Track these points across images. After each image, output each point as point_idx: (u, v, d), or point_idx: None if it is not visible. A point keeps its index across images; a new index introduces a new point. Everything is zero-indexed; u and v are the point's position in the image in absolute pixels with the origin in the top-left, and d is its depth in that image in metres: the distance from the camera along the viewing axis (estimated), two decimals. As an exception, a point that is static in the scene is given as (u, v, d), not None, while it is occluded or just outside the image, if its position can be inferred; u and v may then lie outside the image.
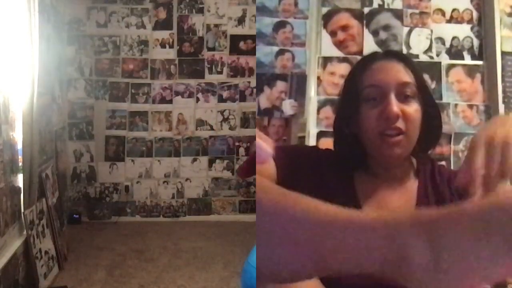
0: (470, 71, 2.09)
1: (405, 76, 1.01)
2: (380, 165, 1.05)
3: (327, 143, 1.79)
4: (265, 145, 0.88)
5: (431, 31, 1.89)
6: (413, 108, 0.99)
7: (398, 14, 1.81)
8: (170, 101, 4.32)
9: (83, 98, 4.21)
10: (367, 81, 1.02)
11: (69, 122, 4.19)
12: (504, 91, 2.06)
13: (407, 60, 1.06)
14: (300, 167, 1.04)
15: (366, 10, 1.77)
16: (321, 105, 1.78)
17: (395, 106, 0.96)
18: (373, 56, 1.07)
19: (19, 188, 2.69)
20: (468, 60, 2.10)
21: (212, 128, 4.38)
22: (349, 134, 1.05)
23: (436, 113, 1.06)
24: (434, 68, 2.01)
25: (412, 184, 1.07)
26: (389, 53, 1.08)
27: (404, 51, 1.83)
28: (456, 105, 2.09)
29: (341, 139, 1.10)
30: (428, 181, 1.08)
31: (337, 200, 0.91)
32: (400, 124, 0.97)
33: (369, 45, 1.77)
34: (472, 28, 2.07)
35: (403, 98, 0.99)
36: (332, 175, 1.04)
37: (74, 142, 4.23)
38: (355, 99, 1.03)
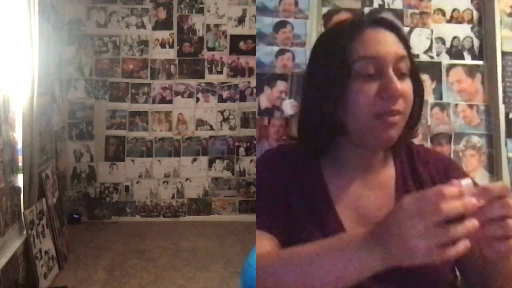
0: (471, 71, 2.10)
1: (401, 49, 0.88)
2: (355, 153, 0.93)
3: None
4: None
5: (432, 31, 1.90)
6: (408, 86, 0.88)
7: (398, 14, 1.81)
8: (170, 101, 4.32)
9: (83, 98, 4.21)
10: (360, 51, 0.86)
11: (69, 122, 4.19)
12: (504, 91, 2.07)
13: (399, 30, 0.92)
14: (275, 176, 0.96)
15: (366, 10, 1.78)
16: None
17: (398, 83, 0.84)
18: (362, 23, 0.90)
19: (19, 188, 2.69)
20: (468, 60, 2.10)
21: (212, 128, 4.39)
22: (329, 115, 0.89)
23: (422, 92, 0.94)
24: (434, 68, 2.01)
25: (388, 173, 0.97)
26: (380, 21, 0.90)
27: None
28: (456, 105, 2.09)
29: (315, 124, 0.92)
30: (406, 169, 0.98)
31: (312, 202, 0.92)
32: (400, 104, 0.85)
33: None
34: (472, 28, 2.07)
35: (399, 74, 0.86)
36: (301, 174, 0.95)
37: (74, 142, 4.23)
38: (344, 74, 0.86)
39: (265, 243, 0.89)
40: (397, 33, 0.90)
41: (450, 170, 0.99)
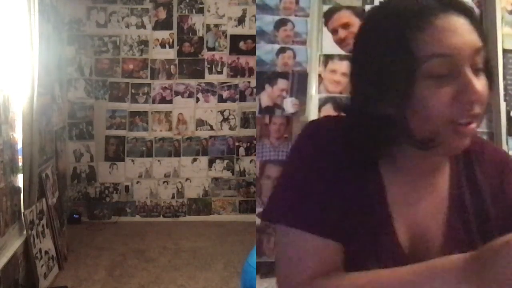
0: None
1: (477, 39, 0.71)
2: (417, 158, 0.78)
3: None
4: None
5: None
6: (484, 83, 0.72)
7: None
8: (170, 101, 4.32)
9: (83, 98, 4.21)
10: (431, 47, 0.69)
11: (69, 122, 4.19)
12: (505, 89, 2.06)
13: (473, 14, 0.74)
14: (326, 162, 0.78)
15: (367, 7, 1.78)
16: (322, 103, 1.78)
17: (477, 83, 0.69)
18: (431, 7, 0.71)
19: (19, 188, 2.69)
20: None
21: (212, 128, 4.38)
22: (388, 116, 0.73)
23: (493, 85, 0.77)
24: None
25: (443, 176, 0.83)
26: (452, 4, 0.72)
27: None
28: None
29: (371, 128, 0.76)
30: (462, 170, 0.85)
31: (367, 205, 0.77)
32: (477, 107, 0.70)
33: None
34: (473, 27, 2.07)
35: (475, 70, 0.71)
36: (358, 167, 0.78)
37: (74, 142, 4.22)
38: (411, 74, 0.69)
39: (324, 253, 0.74)
40: (471, 18, 0.73)
41: (506, 173, 0.86)
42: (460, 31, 0.70)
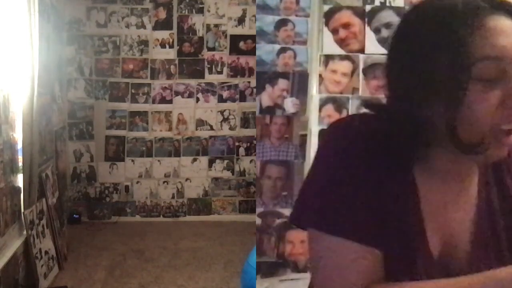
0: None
1: None
2: (453, 162, 0.75)
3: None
4: None
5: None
6: None
7: (399, 12, 1.81)
8: (170, 101, 4.32)
9: (83, 98, 4.21)
10: (482, 49, 0.66)
11: (69, 122, 4.19)
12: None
13: None
14: (361, 163, 0.73)
15: (367, 7, 1.77)
16: (322, 103, 1.78)
17: None
18: (481, 6, 0.68)
19: (19, 188, 2.69)
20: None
21: (212, 128, 4.38)
22: (430, 119, 0.70)
23: None
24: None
25: (472, 181, 0.80)
26: (501, 5, 0.69)
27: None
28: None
29: (413, 130, 0.72)
30: (490, 176, 0.82)
31: (396, 206, 0.73)
32: None
33: (371, 43, 1.77)
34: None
35: None
36: (389, 174, 0.73)
37: (74, 142, 4.22)
38: (462, 76, 0.66)
39: (366, 262, 0.70)
40: None
41: None
42: (508, 34, 0.67)
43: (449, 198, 0.78)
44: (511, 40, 0.67)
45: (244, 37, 4.32)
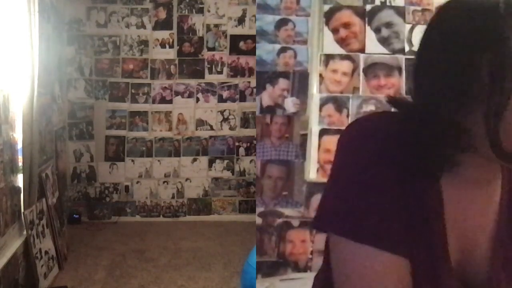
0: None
1: None
2: (482, 168, 0.71)
3: (329, 140, 1.79)
4: None
5: (433, 28, 1.90)
6: None
7: (400, 11, 1.81)
8: (170, 101, 4.32)
9: (83, 98, 4.21)
10: None
11: (69, 122, 4.19)
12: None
13: None
14: (387, 165, 0.68)
15: (368, 7, 1.77)
16: (323, 103, 1.78)
17: None
18: None
19: (19, 188, 2.69)
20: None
21: (212, 128, 4.38)
22: (464, 125, 0.65)
23: None
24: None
25: (495, 186, 0.76)
26: None
27: (407, 48, 1.83)
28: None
29: (450, 131, 0.66)
30: None
31: (420, 212, 0.69)
32: None
33: (371, 42, 1.77)
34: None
35: None
36: (416, 180, 0.69)
37: (74, 142, 4.22)
38: (509, 81, 0.61)
39: (398, 272, 0.66)
40: None
41: None
42: None
43: (473, 205, 0.73)
44: None
45: (244, 37, 4.32)
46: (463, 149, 0.68)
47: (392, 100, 0.75)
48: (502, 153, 0.64)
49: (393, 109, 0.76)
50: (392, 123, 0.72)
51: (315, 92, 1.75)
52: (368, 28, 1.77)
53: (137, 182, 4.33)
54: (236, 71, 4.35)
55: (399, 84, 1.79)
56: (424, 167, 0.68)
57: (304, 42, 1.74)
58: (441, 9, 0.71)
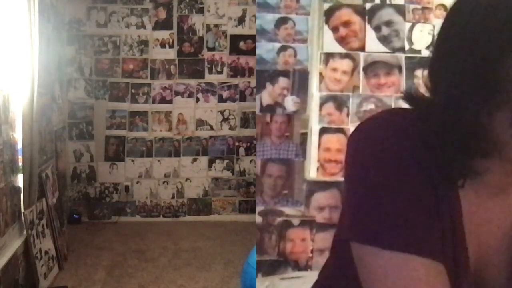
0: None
1: None
2: (497, 174, 0.67)
3: (329, 139, 1.79)
4: None
5: (434, 26, 1.89)
6: None
7: (400, 10, 1.81)
8: (170, 101, 4.32)
9: (83, 98, 4.21)
10: None
11: (69, 122, 4.19)
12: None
13: None
14: (414, 167, 0.64)
15: (368, 5, 1.77)
16: (323, 101, 1.78)
17: None
18: None
19: (19, 188, 2.69)
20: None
21: (212, 128, 4.38)
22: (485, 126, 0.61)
23: None
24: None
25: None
26: None
27: (407, 46, 1.82)
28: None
29: (468, 141, 0.62)
30: None
31: (445, 224, 0.65)
32: None
33: (371, 41, 1.77)
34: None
35: None
36: (436, 186, 0.65)
37: (74, 142, 4.22)
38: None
39: (439, 279, 0.61)
40: None
41: None
42: None
43: (492, 213, 0.70)
44: None
45: (244, 37, 4.32)
46: (487, 154, 0.63)
47: (408, 97, 0.70)
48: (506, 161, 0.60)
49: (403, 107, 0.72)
50: (412, 122, 0.67)
51: (315, 90, 1.75)
52: (368, 26, 1.77)
53: (137, 182, 4.33)
54: (236, 71, 4.35)
55: (399, 82, 1.79)
56: (448, 172, 0.64)
57: (304, 40, 1.74)
58: (460, 2, 0.66)
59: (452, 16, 0.65)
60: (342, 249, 0.75)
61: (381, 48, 1.79)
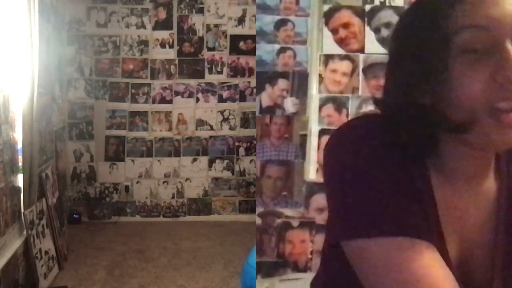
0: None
1: None
2: (460, 153, 0.69)
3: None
4: None
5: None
6: None
7: (399, 12, 1.81)
8: (170, 101, 4.32)
9: (83, 98, 4.21)
10: (463, 19, 0.62)
11: (69, 122, 4.19)
12: None
13: None
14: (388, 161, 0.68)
15: (367, 7, 1.77)
16: (322, 103, 1.78)
17: None
18: None
19: (19, 188, 2.69)
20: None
21: (212, 128, 4.38)
22: (426, 107, 0.66)
23: None
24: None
25: (489, 184, 0.74)
26: None
27: (406, 48, 1.82)
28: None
29: (409, 118, 0.68)
30: (509, 178, 0.75)
31: (416, 206, 0.66)
32: None
33: (371, 43, 1.77)
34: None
35: None
36: (407, 168, 0.68)
37: (74, 142, 4.22)
38: (442, 49, 0.63)
39: (430, 259, 0.62)
40: None
41: None
42: (500, 1, 0.61)
43: (464, 201, 0.72)
44: (499, 8, 0.61)
45: (244, 37, 4.32)
46: (439, 138, 0.69)
47: (375, 100, 0.77)
48: (451, 125, 0.65)
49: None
50: (380, 123, 0.73)
51: (314, 92, 1.75)
52: (367, 28, 1.77)
53: (137, 182, 4.33)
54: (236, 71, 4.35)
55: (399, 84, 1.79)
56: (406, 155, 0.68)
57: (304, 42, 1.74)
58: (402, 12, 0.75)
59: (395, 24, 0.73)
60: (332, 257, 0.77)
61: (381, 49, 1.79)
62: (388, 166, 0.67)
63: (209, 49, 4.32)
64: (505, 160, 0.75)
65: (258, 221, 1.77)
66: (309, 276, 1.74)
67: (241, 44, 4.33)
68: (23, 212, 2.67)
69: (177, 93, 4.32)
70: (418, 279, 0.59)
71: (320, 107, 1.75)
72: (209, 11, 4.30)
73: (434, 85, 0.64)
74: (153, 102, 4.30)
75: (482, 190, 0.73)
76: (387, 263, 0.61)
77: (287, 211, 1.77)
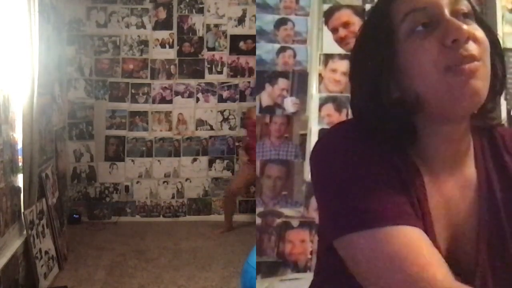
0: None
1: None
2: (438, 134, 0.73)
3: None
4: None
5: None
6: (476, 28, 0.69)
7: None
8: (170, 101, 4.32)
9: (83, 98, 4.21)
10: (405, 6, 0.71)
11: (69, 122, 4.19)
12: (505, 88, 2.05)
13: None
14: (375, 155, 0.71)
15: (367, 6, 1.77)
16: (322, 102, 1.78)
17: (461, 24, 0.67)
18: None
19: (19, 188, 2.69)
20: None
21: (212, 128, 4.38)
22: (391, 95, 0.72)
23: (498, 42, 0.75)
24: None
25: (470, 170, 0.78)
26: None
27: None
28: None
29: (379, 110, 0.72)
30: (489, 163, 0.79)
31: (400, 201, 0.68)
32: (472, 47, 0.66)
33: (371, 42, 1.77)
34: (473, 26, 2.05)
35: (460, 15, 0.69)
36: (396, 162, 0.71)
37: (74, 142, 4.22)
38: (387, 35, 0.72)
39: (419, 244, 0.64)
40: None
41: None
42: None
43: (448, 182, 0.75)
44: None
45: (244, 37, 4.32)
46: (416, 123, 0.73)
47: (351, 104, 0.82)
48: (430, 113, 0.70)
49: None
50: (355, 122, 0.79)
51: (314, 91, 1.75)
52: (367, 27, 1.77)
53: (137, 182, 4.33)
54: (236, 71, 4.35)
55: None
56: (389, 149, 0.72)
57: (304, 41, 1.74)
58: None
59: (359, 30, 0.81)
60: (326, 260, 0.78)
61: (381, 49, 1.79)
62: (370, 163, 0.70)
63: (209, 49, 4.32)
64: (479, 147, 0.80)
65: (258, 220, 1.77)
66: (309, 276, 1.73)
67: (241, 44, 4.33)
68: (23, 212, 2.67)
69: (177, 93, 4.32)
70: (406, 256, 0.61)
71: (320, 107, 1.75)
72: (209, 11, 4.30)
73: (386, 68, 0.72)
74: (153, 102, 4.30)
75: (465, 177, 0.77)
76: (375, 253, 0.64)
77: (287, 211, 1.77)
